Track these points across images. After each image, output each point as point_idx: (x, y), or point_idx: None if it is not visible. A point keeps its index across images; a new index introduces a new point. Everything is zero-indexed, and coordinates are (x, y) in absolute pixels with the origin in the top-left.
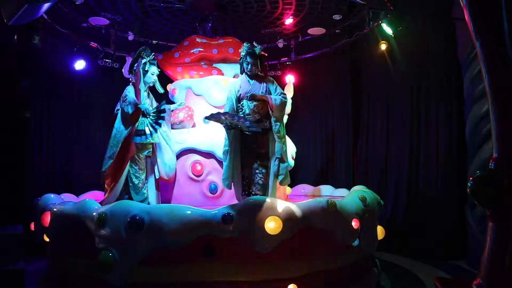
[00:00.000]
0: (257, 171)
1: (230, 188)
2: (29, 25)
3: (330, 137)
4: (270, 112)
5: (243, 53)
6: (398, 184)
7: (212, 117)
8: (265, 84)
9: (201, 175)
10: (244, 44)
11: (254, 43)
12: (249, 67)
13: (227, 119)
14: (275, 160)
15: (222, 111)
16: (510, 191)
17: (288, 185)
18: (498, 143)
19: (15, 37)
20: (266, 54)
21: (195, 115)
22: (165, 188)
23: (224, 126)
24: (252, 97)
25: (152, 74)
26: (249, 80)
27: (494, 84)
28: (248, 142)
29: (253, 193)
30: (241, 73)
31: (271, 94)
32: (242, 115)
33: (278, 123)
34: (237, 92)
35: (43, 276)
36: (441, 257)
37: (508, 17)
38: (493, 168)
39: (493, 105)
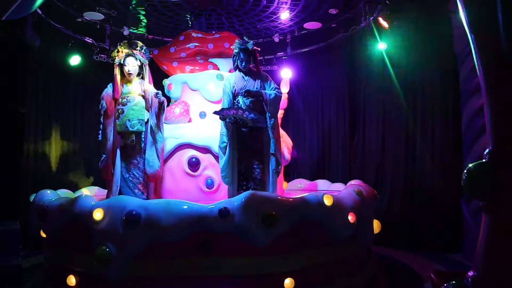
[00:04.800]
0: (254, 166)
1: (231, 185)
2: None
3: (326, 131)
4: (265, 107)
5: (236, 50)
6: (394, 178)
7: (218, 113)
8: (259, 79)
9: (197, 170)
10: (236, 40)
11: (245, 38)
12: (243, 63)
13: (233, 114)
14: (271, 157)
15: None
16: (504, 183)
17: (285, 180)
18: (492, 137)
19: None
20: (259, 49)
21: (191, 110)
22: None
23: (228, 122)
24: (247, 94)
25: (126, 66)
26: (243, 76)
27: (488, 78)
28: (243, 137)
29: (251, 188)
30: (235, 70)
31: (265, 90)
32: (247, 109)
33: (273, 119)
34: (232, 87)
35: (40, 272)
36: (437, 250)
37: (503, 10)
38: (487, 161)
39: (487, 99)
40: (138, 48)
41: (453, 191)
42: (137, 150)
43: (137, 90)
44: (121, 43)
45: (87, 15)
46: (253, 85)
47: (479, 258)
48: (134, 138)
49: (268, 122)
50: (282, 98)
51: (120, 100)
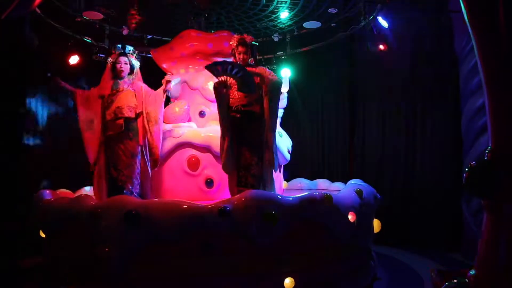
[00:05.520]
0: (253, 162)
1: (231, 174)
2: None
3: (326, 130)
4: (266, 88)
5: (235, 44)
6: (394, 177)
7: (210, 67)
8: (257, 72)
9: (197, 169)
10: (235, 35)
11: (244, 34)
12: (241, 56)
13: (226, 68)
14: (267, 150)
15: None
16: (505, 182)
17: (285, 179)
18: (493, 135)
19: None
20: (257, 44)
21: (191, 109)
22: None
23: (219, 82)
24: (241, 68)
25: (118, 63)
26: None
27: (489, 75)
28: (241, 131)
29: (250, 184)
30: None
31: (263, 82)
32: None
33: (272, 104)
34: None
35: (40, 272)
36: (437, 250)
37: (504, 8)
38: (488, 159)
39: (488, 97)
40: (131, 52)
41: (453, 190)
42: (127, 137)
43: (126, 85)
44: (114, 47)
45: (86, 14)
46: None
47: (480, 256)
48: (122, 124)
49: (268, 111)
50: (281, 97)
51: (110, 93)
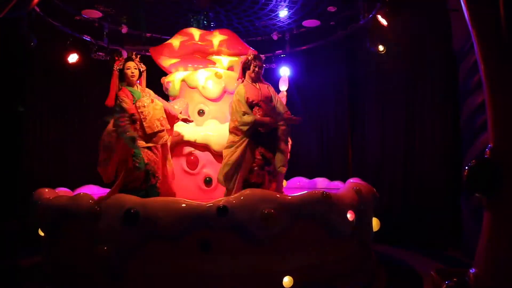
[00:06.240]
0: (274, 165)
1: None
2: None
3: (325, 129)
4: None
5: (251, 56)
6: (393, 176)
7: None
8: (267, 87)
9: (196, 167)
10: (251, 50)
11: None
12: (256, 69)
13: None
14: (287, 152)
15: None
16: (505, 180)
17: (284, 178)
18: (493, 132)
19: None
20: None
21: (190, 108)
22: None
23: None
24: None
25: (128, 69)
26: (253, 84)
27: (489, 72)
28: (263, 140)
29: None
30: (241, 77)
31: (274, 96)
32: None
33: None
34: (245, 98)
35: (38, 271)
36: (437, 248)
37: (505, 6)
38: (489, 157)
39: (488, 95)
40: (133, 57)
41: (452, 188)
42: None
43: (143, 93)
44: (118, 55)
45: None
46: (266, 91)
47: (480, 255)
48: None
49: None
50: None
51: (138, 104)
